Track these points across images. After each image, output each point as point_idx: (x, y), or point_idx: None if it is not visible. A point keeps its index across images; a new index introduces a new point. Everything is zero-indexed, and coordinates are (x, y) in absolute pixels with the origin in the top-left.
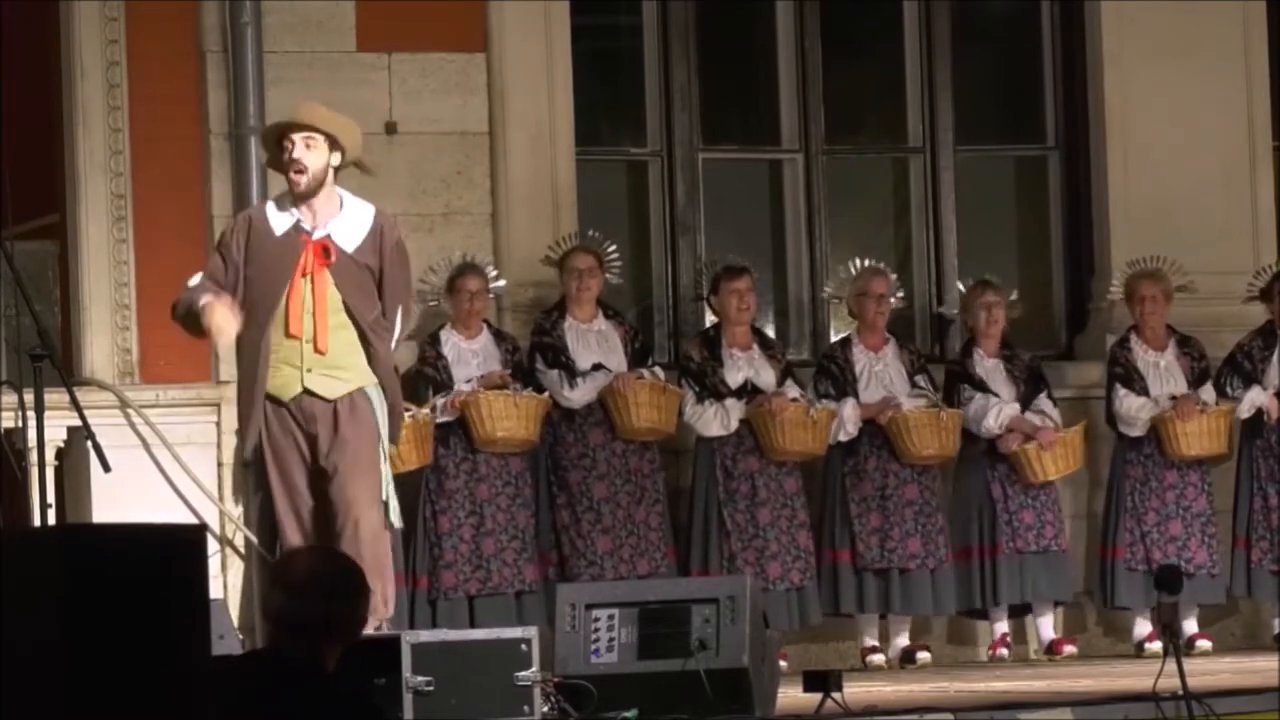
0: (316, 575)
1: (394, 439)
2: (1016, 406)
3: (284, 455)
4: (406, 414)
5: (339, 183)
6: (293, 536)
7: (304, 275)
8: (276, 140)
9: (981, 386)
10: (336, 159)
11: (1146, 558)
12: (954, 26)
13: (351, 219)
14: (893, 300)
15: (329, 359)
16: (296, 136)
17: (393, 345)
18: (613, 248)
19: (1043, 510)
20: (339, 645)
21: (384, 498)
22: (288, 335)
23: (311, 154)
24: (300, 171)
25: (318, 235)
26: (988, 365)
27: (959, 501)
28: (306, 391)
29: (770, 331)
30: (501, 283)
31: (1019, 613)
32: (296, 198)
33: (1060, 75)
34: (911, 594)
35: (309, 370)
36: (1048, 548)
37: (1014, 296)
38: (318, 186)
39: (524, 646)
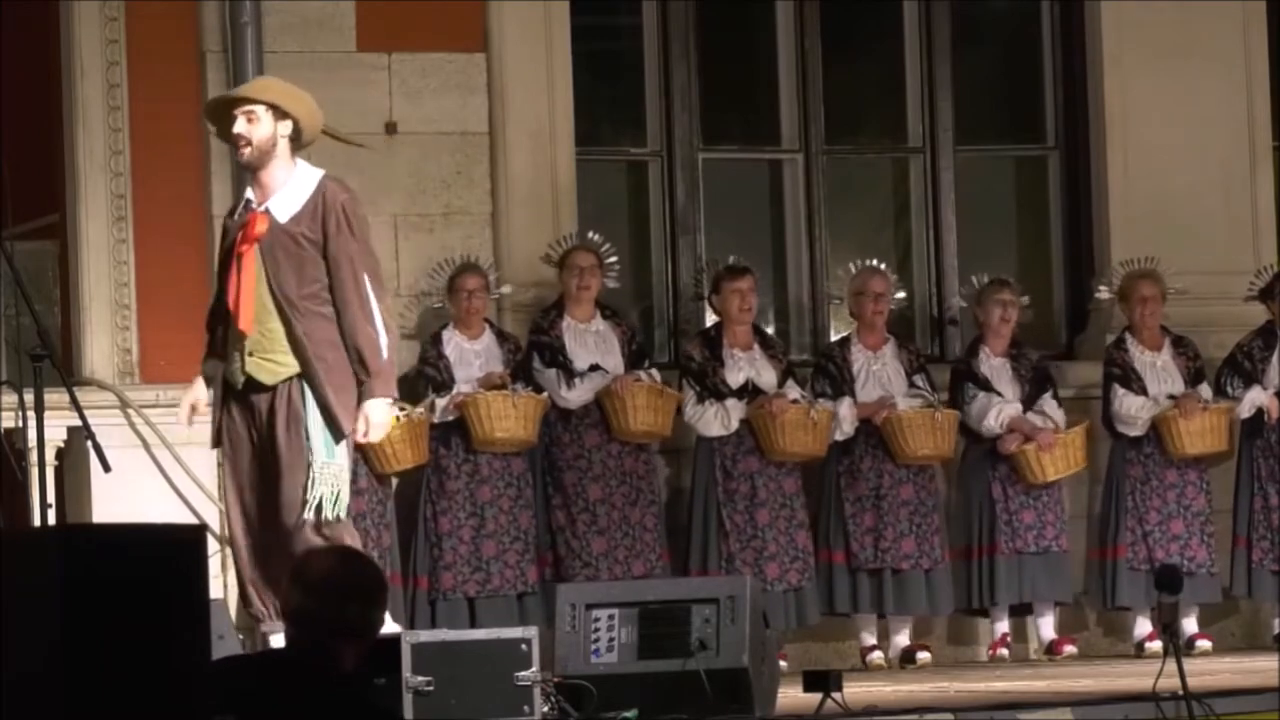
0: (333, 576)
1: (335, 432)
2: (1018, 406)
3: (238, 449)
4: (400, 413)
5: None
6: (238, 534)
7: (237, 254)
8: (225, 118)
9: (986, 385)
10: (286, 129)
11: (1149, 557)
12: (954, 26)
13: (294, 189)
14: (892, 301)
15: (263, 342)
16: (237, 112)
17: (375, 322)
18: (611, 251)
19: (1044, 511)
20: (355, 646)
21: (309, 496)
22: (233, 319)
23: (252, 127)
24: (243, 145)
25: (260, 209)
26: (994, 364)
27: (963, 501)
28: (249, 378)
29: (770, 331)
30: (506, 289)
31: (1019, 612)
32: (248, 173)
33: (1060, 75)
34: (906, 594)
35: (250, 354)
36: (1048, 548)
37: (1025, 301)
38: (264, 158)
39: (524, 646)
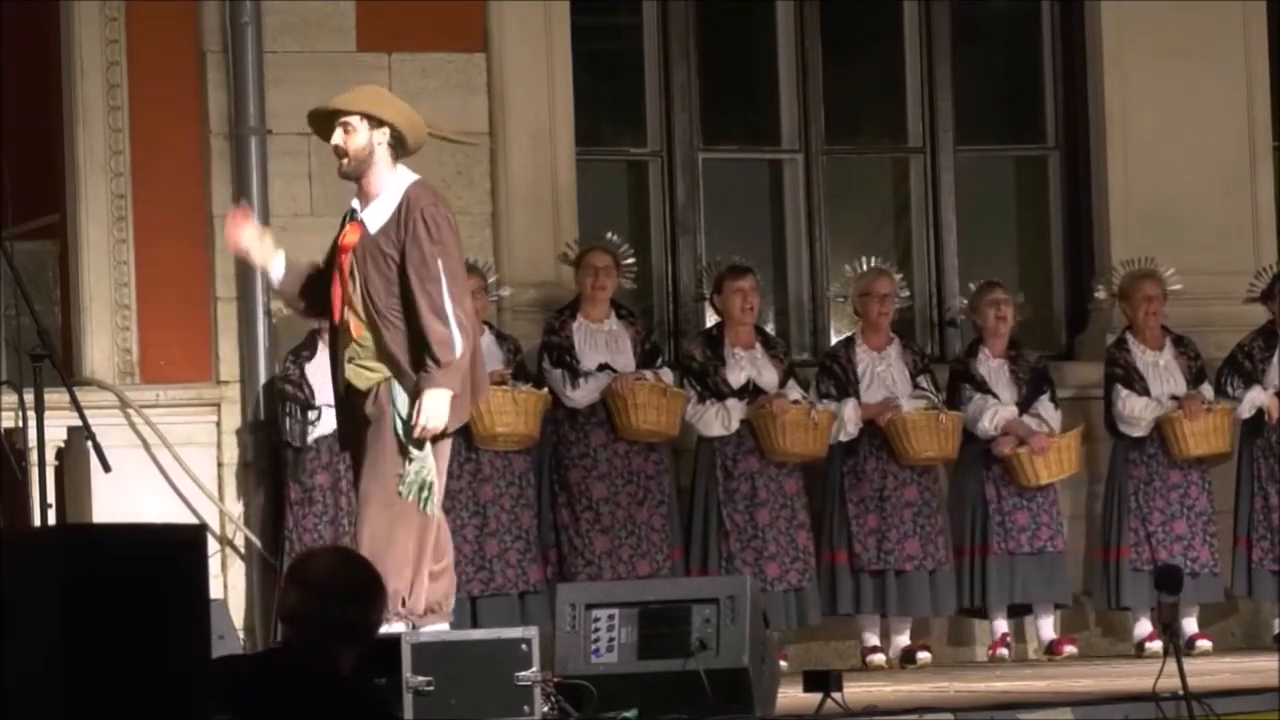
0: (332, 576)
1: (410, 439)
2: (1014, 409)
3: (351, 451)
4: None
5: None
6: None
7: (338, 262)
8: (326, 129)
9: (982, 387)
10: (384, 136)
11: (1152, 558)
12: (954, 26)
13: (387, 198)
14: (897, 301)
15: (361, 350)
16: (336, 123)
17: (449, 321)
18: (629, 253)
19: (1039, 512)
20: (353, 647)
21: (399, 488)
22: (335, 324)
23: (349, 138)
24: (341, 156)
25: (357, 219)
26: (992, 365)
27: (955, 501)
28: (349, 384)
29: (770, 331)
30: (505, 291)
31: (1019, 613)
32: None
33: (1060, 75)
34: (909, 595)
35: (349, 360)
36: (1042, 549)
37: (1020, 299)
38: (361, 168)
39: (524, 646)
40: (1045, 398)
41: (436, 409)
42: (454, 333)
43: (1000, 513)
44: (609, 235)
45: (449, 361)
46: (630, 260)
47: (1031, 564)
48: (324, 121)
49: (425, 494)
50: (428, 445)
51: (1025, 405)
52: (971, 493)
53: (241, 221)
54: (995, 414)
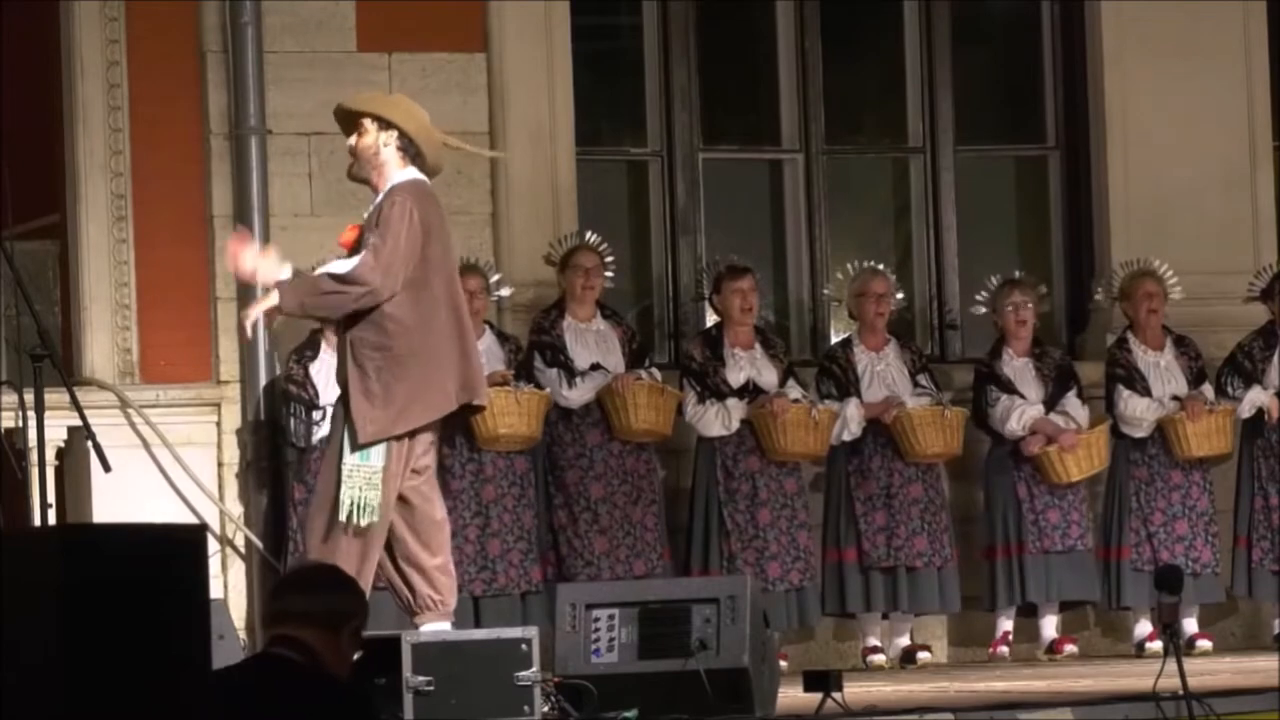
0: (313, 572)
1: (353, 441)
2: (1040, 408)
3: None
4: None
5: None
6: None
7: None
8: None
9: (1008, 387)
10: (391, 138)
11: (1154, 558)
12: (954, 26)
13: (381, 197)
14: (893, 302)
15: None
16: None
17: (346, 275)
18: (609, 251)
19: (1069, 510)
20: (339, 643)
21: (339, 497)
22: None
23: (359, 138)
24: (351, 157)
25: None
26: (1016, 365)
27: (989, 501)
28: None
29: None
30: (505, 291)
31: (1025, 612)
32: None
33: (1060, 75)
34: (919, 592)
35: (340, 361)
36: (1073, 547)
37: (1043, 290)
38: (365, 169)
39: (524, 646)
40: (1072, 394)
41: (267, 266)
42: (367, 266)
43: (1034, 511)
44: (588, 235)
45: (319, 274)
46: (610, 259)
47: (1063, 562)
48: (346, 125)
49: (359, 511)
50: (371, 453)
51: (1052, 403)
52: (1003, 492)
53: (242, 246)
54: (1022, 414)
